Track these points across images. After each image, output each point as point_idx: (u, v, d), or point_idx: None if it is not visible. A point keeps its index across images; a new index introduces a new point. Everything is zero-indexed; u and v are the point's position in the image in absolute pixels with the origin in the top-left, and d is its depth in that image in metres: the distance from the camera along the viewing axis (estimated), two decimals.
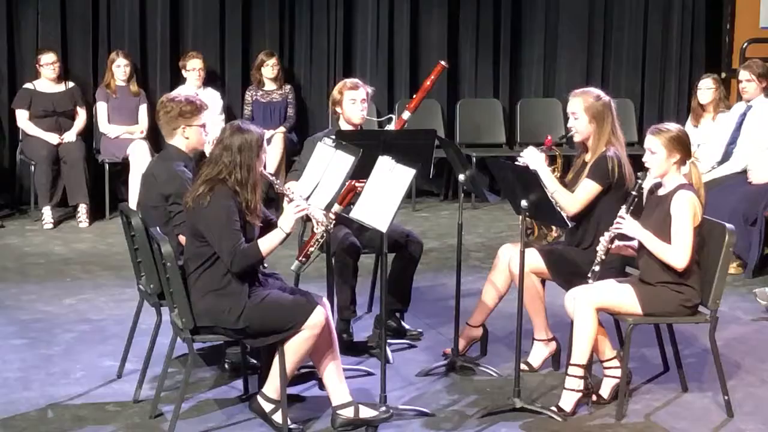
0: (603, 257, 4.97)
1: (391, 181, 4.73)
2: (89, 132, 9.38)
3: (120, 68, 9.25)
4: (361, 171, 4.87)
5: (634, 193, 4.97)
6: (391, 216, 4.68)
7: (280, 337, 4.64)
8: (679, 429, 4.89)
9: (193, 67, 9.30)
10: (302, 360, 4.76)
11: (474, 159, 9.50)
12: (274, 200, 8.42)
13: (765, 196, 7.51)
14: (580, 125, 5.43)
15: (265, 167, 4.78)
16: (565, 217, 5.06)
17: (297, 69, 10.16)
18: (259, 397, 4.81)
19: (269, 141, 8.89)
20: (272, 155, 8.92)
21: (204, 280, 4.68)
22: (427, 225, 9.08)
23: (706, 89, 8.14)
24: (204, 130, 5.23)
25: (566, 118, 5.64)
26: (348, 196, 4.88)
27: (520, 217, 5.03)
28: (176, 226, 5.04)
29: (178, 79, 9.55)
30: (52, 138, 8.97)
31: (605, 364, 5.16)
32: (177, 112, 5.18)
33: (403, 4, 10.22)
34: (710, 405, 5.15)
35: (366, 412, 4.76)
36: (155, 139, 9.48)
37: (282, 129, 9.44)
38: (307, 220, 4.98)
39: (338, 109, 6.03)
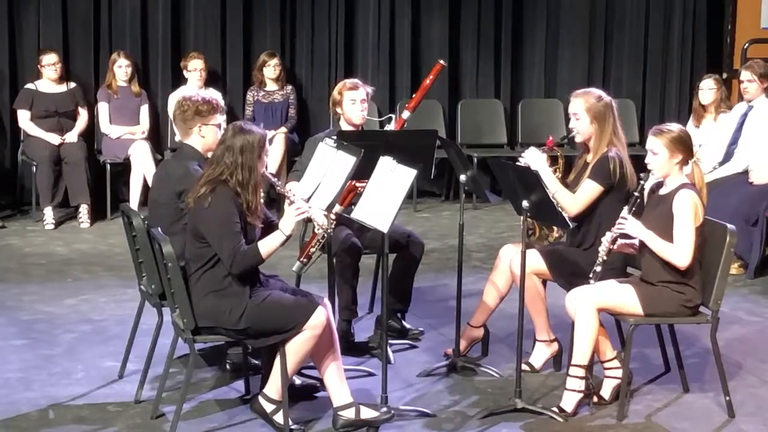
0: (604, 257, 4.97)
1: (392, 181, 4.73)
2: (90, 132, 9.37)
3: (121, 69, 9.25)
4: (363, 171, 4.87)
5: (636, 193, 4.97)
6: (392, 216, 4.68)
7: (282, 337, 4.64)
8: (680, 429, 4.89)
9: (195, 68, 9.30)
10: (303, 360, 4.76)
11: (475, 159, 9.50)
12: (276, 201, 8.42)
13: (766, 196, 7.51)
14: (582, 126, 5.43)
15: (266, 168, 4.78)
16: (567, 218, 5.06)
17: (298, 69, 10.16)
18: (260, 398, 4.81)
19: (270, 141, 8.89)
20: (273, 156, 8.93)
21: (205, 281, 4.68)
22: (428, 225, 9.08)
23: (708, 90, 8.14)
24: (220, 131, 5.22)
25: (567, 119, 5.65)
26: (349, 197, 4.88)
27: (522, 217, 5.03)
28: (185, 224, 5.02)
29: (179, 80, 9.55)
30: (54, 138, 8.97)
31: (606, 365, 5.16)
32: (194, 111, 5.18)
33: (404, 4, 10.22)
34: (711, 405, 5.15)
35: (367, 413, 4.76)
36: (156, 139, 9.54)
37: (283, 129, 9.44)
38: (308, 221, 4.98)
39: (338, 110, 6.03)
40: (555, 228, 5.74)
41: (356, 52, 10.25)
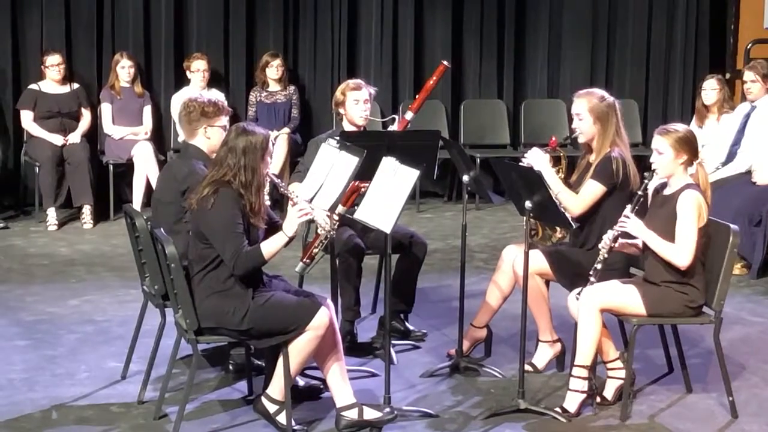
0: (605, 256, 4.97)
1: (395, 182, 4.73)
2: (94, 133, 9.38)
3: (124, 69, 9.26)
4: (365, 172, 4.87)
5: (640, 192, 4.97)
6: (395, 217, 4.68)
7: (284, 338, 4.65)
8: (683, 430, 4.88)
9: (198, 68, 9.30)
10: (306, 361, 4.77)
11: (478, 160, 9.49)
12: (279, 202, 8.42)
13: None
14: (585, 126, 5.43)
15: (269, 169, 4.78)
16: (570, 218, 5.06)
17: (301, 70, 10.17)
18: (263, 399, 4.81)
19: (273, 142, 8.89)
20: (276, 156, 8.92)
21: (208, 282, 4.68)
22: (431, 226, 9.08)
23: (711, 90, 8.13)
24: (225, 132, 5.22)
25: (570, 119, 5.65)
26: (352, 197, 4.87)
27: (524, 218, 5.03)
28: (187, 223, 5.03)
29: (182, 81, 9.56)
30: (57, 139, 8.97)
31: (609, 365, 5.16)
32: (200, 112, 5.20)
33: (407, 4, 10.22)
34: (714, 406, 5.14)
35: (370, 414, 4.76)
36: (159, 140, 9.54)
37: (286, 130, 9.44)
38: (311, 221, 4.97)
39: (341, 110, 6.03)
40: (558, 228, 5.73)
41: (359, 52, 10.25)
